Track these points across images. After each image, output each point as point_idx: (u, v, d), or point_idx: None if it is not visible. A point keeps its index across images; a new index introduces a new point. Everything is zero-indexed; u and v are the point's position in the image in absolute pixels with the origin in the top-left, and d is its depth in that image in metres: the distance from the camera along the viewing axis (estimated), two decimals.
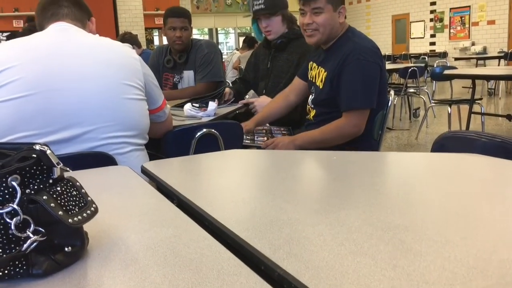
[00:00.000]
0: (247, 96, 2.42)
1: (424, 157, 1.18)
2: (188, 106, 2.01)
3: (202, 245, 0.64)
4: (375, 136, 1.93)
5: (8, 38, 2.44)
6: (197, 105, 2.03)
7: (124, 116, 1.38)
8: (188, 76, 2.83)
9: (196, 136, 1.68)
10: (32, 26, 2.15)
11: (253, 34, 2.76)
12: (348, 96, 1.82)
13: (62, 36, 1.41)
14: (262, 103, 2.31)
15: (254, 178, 1.06)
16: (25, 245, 0.54)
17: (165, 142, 1.68)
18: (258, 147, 2.00)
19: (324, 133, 1.87)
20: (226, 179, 1.04)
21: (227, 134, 1.78)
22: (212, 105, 2.01)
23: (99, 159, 1.24)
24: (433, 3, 14.40)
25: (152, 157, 1.70)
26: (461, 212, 0.74)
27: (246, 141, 2.04)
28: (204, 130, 1.70)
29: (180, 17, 2.70)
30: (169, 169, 1.15)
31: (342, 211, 0.75)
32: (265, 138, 2.09)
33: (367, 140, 1.90)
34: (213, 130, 1.71)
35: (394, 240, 0.63)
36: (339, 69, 1.84)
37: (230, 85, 2.98)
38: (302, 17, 1.94)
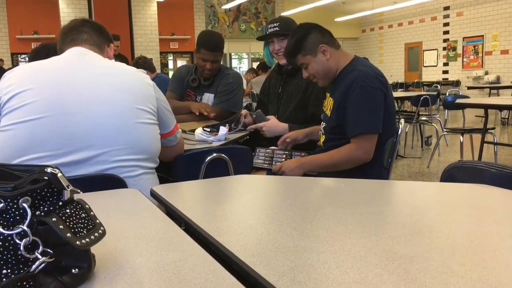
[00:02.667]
0: (253, 116, 2.42)
1: (432, 187, 1.18)
2: (199, 131, 2.03)
3: (207, 270, 0.64)
4: (385, 164, 1.92)
5: (33, 54, 2.42)
6: (208, 129, 2.05)
7: (136, 139, 1.40)
8: (209, 98, 2.87)
9: (206, 160, 1.69)
10: (43, 48, 2.18)
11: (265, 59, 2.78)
12: (353, 122, 1.84)
13: (77, 61, 1.45)
14: (271, 127, 2.32)
15: (262, 204, 1.07)
16: (33, 266, 0.55)
17: (176, 165, 1.70)
18: (269, 170, 2.01)
19: (332, 157, 1.88)
20: (234, 204, 1.04)
21: (237, 159, 1.80)
22: (223, 129, 2.03)
23: (109, 182, 1.26)
24: (446, 32, 14.47)
25: (162, 180, 1.71)
26: (467, 243, 0.74)
27: (264, 164, 2.06)
28: (214, 154, 1.71)
29: (214, 51, 2.71)
30: (178, 193, 1.16)
31: (348, 240, 0.75)
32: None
33: (377, 167, 1.90)
34: (223, 155, 1.72)
35: (398, 270, 0.63)
36: (344, 97, 1.87)
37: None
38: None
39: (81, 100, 1.35)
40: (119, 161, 1.35)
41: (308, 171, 1.88)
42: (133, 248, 0.74)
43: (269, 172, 2.00)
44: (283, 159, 2.10)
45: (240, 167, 1.77)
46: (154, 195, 1.08)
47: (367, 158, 1.84)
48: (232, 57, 17.42)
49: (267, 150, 2.18)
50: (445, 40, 14.55)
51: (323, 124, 2.06)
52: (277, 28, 2.43)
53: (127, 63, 3.17)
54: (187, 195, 1.16)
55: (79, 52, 1.48)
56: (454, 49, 14.27)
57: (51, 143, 1.30)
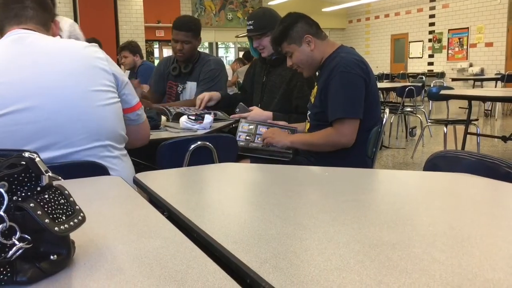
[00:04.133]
0: (237, 110, 2.42)
1: (415, 176, 1.19)
2: (184, 119, 2.02)
3: (189, 257, 0.64)
4: (369, 153, 1.94)
5: None
6: (193, 117, 2.03)
7: (99, 124, 1.31)
8: (191, 87, 2.84)
9: (190, 148, 1.68)
10: None
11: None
12: (332, 107, 1.87)
13: (19, 48, 1.31)
14: (255, 117, 2.32)
15: (246, 191, 1.06)
16: (10, 252, 0.54)
17: (159, 153, 1.68)
18: (253, 158, 2.01)
19: (313, 137, 1.97)
20: (218, 192, 1.04)
21: (222, 148, 1.79)
22: (208, 118, 2.02)
23: (90, 168, 1.23)
24: (432, 24, 14.56)
25: (146, 168, 1.70)
26: (448, 231, 0.74)
27: (246, 139, 2.05)
28: (199, 142, 1.70)
29: (182, 30, 2.71)
30: (161, 181, 1.15)
31: (331, 227, 0.75)
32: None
33: (361, 157, 1.91)
34: (207, 143, 1.71)
35: (380, 256, 0.63)
36: (325, 83, 1.90)
37: None
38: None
39: (29, 94, 1.24)
40: (86, 150, 1.28)
41: (292, 143, 1.99)
42: (114, 235, 0.73)
43: (253, 160, 2.00)
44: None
45: (225, 156, 1.76)
46: (136, 182, 1.07)
47: (346, 142, 1.86)
48: (219, 46, 17.31)
49: (250, 127, 2.17)
50: (430, 32, 14.64)
51: (308, 112, 2.07)
52: (252, 27, 2.46)
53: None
54: (170, 182, 1.15)
55: (20, 36, 1.31)
56: (440, 41, 14.37)
57: (7, 144, 1.20)
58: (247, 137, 2.09)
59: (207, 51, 16.25)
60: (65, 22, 3.08)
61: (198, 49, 2.87)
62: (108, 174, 1.26)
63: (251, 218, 0.82)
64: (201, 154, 1.72)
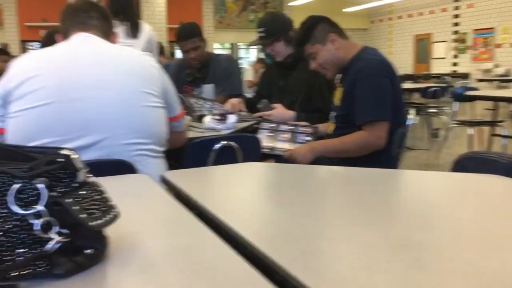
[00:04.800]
0: (260, 106, 2.42)
1: (444, 177, 1.18)
2: (208, 119, 2.04)
3: (218, 254, 0.65)
4: (393, 153, 1.92)
5: (44, 40, 2.51)
6: (217, 117, 2.05)
7: (142, 123, 1.41)
8: (208, 90, 2.86)
9: (215, 148, 1.70)
10: (52, 33, 2.18)
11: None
12: (362, 110, 1.85)
13: (84, 46, 1.46)
14: (278, 116, 2.32)
15: (271, 191, 1.07)
16: (48, 246, 0.56)
17: (184, 153, 1.71)
18: (278, 156, 2.00)
19: (344, 143, 1.89)
20: (244, 191, 1.05)
21: (246, 147, 1.80)
22: (232, 118, 2.03)
23: (119, 166, 1.26)
24: (456, 24, 14.31)
25: (170, 167, 1.72)
26: (480, 233, 0.74)
27: (266, 150, 2.03)
28: (223, 142, 1.71)
29: (188, 39, 2.71)
30: (188, 179, 1.16)
31: (359, 227, 0.75)
32: (289, 139, 2.07)
33: (386, 157, 1.90)
34: (232, 143, 1.73)
35: (410, 256, 0.63)
36: (351, 86, 1.88)
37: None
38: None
39: (85, 86, 1.36)
40: (126, 145, 1.37)
41: (319, 155, 1.88)
42: (144, 232, 0.74)
43: (278, 159, 2.00)
44: (285, 139, 2.09)
45: (249, 156, 1.77)
46: (164, 181, 1.08)
47: (379, 144, 1.84)
48: (240, 47, 17.37)
49: (271, 124, 2.14)
50: (455, 32, 14.39)
51: (333, 113, 2.07)
52: (263, 34, 2.44)
53: None
54: (197, 180, 1.16)
55: (84, 38, 1.47)
56: (464, 41, 14.12)
57: (58, 129, 1.32)
58: (270, 134, 2.08)
59: (228, 52, 16.31)
60: (145, 26, 3.25)
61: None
62: (135, 172, 1.29)
63: (278, 217, 0.83)
64: (225, 154, 1.74)
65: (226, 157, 1.74)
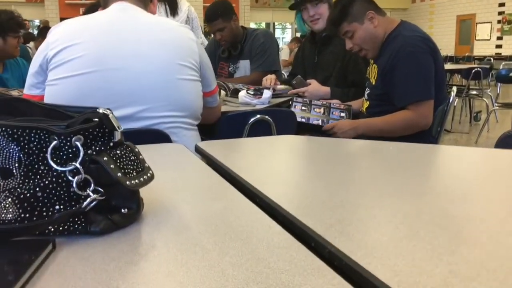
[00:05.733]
0: (294, 82, 2.38)
1: (486, 153, 1.13)
2: (243, 93, 2.02)
3: (253, 219, 0.64)
4: (433, 133, 1.86)
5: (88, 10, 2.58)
6: (252, 92, 2.04)
7: (178, 96, 1.40)
8: (245, 65, 2.84)
9: (250, 121, 1.69)
10: (92, 8, 2.22)
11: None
12: (407, 89, 1.78)
13: (121, 16, 1.44)
14: (313, 91, 2.28)
15: (307, 163, 1.05)
16: (85, 203, 0.56)
17: (218, 127, 1.70)
18: (313, 126, 1.97)
19: (388, 122, 1.84)
20: (279, 162, 1.03)
21: (280, 122, 1.78)
22: (267, 93, 2.01)
23: (155, 136, 1.27)
24: (502, 4, 13.70)
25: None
26: None
27: (302, 119, 1.99)
28: (258, 116, 1.70)
29: (212, 21, 2.69)
30: (222, 149, 1.15)
31: (397, 199, 0.73)
32: (322, 114, 2.03)
33: (426, 136, 1.85)
34: (266, 117, 1.71)
35: (452, 227, 0.60)
36: (390, 64, 1.81)
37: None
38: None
39: (124, 56, 1.36)
40: (162, 117, 1.37)
41: (361, 134, 1.84)
42: (179, 197, 0.74)
43: (313, 135, 1.97)
44: (320, 111, 2.04)
45: (283, 130, 1.75)
46: (198, 151, 1.08)
47: (426, 123, 1.79)
48: (276, 26, 17.20)
49: (304, 100, 2.10)
50: (500, 13, 13.79)
51: (367, 91, 2.01)
52: None
53: None
54: (230, 151, 1.15)
55: (123, 7, 1.46)
56: (510, 22, 13.53)
57: (96, 99, 1.33)
58: (303, 108, 2.03)
59: None
60: (184, 3, 3.30)
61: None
62: (170, 142, 1.29)
63: (314, 187, 0.81)
64: (259, 128, 1.73)
65: (261, 131, 1.73)
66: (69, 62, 1.34)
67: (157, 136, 1.27)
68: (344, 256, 0.52)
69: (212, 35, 2.82)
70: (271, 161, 1.03)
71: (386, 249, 0.54)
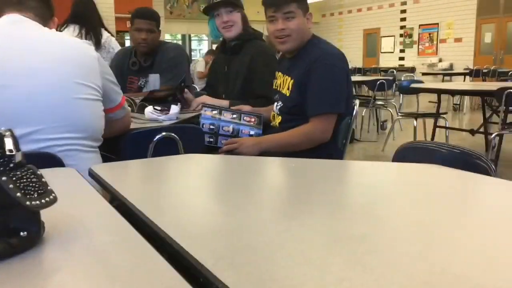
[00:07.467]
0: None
1: (384, 167, 1.16)
2: (149, 109, 1.95)
3: (139, 254, 0.59)
4: (339, 144, 1.91)
5: None
6: (159, 108, 1.96)
7: (75, 116, 1.31)
8: (154, 79, 2.75)
9: (154, 139, 1.61)
10: None
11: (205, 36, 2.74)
12: (316, 101, 1.81)
13: (12, 29, 1.33)
14: (200, 101, 2.27)
15: (208, 183, 1.01)
16: None
17: (122, 145, 1.61)
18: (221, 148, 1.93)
19: (291, 136, 1.85)
20: (178, 184, 0.98)
21: (188, 139, 1.73)
22: (175, 108, 1.95)
23: (44, 160, 1.17)
24: (403, 19, 14.72)
25: (108, 159, 1.63)
26: (417, 224, 0.71)
27: (210, 140, 1.94)
28: (163, 133, 1.63)
29: (147, 19, 2.61)
30: (119, 172, 1.08)
31: (294, 220, 0.71)
32: (233, 119, 1.99)
33: (331, 148, 1.88)
34: (172, 134, 1.65)
35: (344, 251, 0.59)
36: (306, 75, 1.83)
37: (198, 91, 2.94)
38: (272, 24, 1.92)
39: (14, 72, 1.25)
40: (55, 139, 1.26)
41: (265, 150, 1.83)
42: (61, 228, 0.67)
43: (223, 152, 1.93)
44: (229, 133, 2.00)
45: (191, 147, 1.69)
46: (91, 174, 1.00)
47: (325, 138, 1.82)
48: (192, 38, 17.12)
49: (213, 112, 2.01)
50: (402, 27, 14.80)
51: (278, 105, 2.02)
52: None
53: None
54: (128, 174, 1.09)
55: (15, 20, 1.34)
56: (411, 36, 14.55)
57: None
58: (211, 126, 1.98)
59: (180, 43, 16.07)
60: (105, 33, 3.40)
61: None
62: (63, 166, 1.19)
63: (210, 211, 0.77)
64: (166, 146, 1.66)
65: (168, 149, 1.66)
66: None
67: (47, 160, 1.16)
68: None
69: (133, 34, 2.68)
70: (171, 184, 0.98)
71: (275, 281, 0.51)
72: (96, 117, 1.39)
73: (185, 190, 0.94)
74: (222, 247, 0.60)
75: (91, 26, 3.35)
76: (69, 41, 1.41)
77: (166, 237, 0.63)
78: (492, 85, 4.64)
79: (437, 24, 13.62)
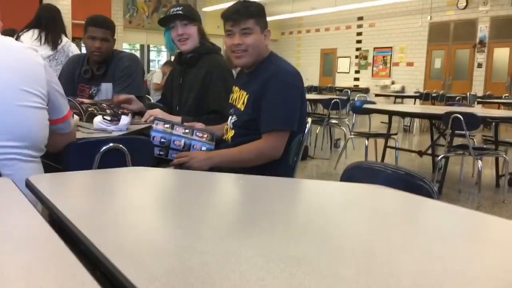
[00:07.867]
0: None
1: (331, 186, 1.17)
2: (98, 119, 1.89)
3: (66, 274, 0.55)
4: (290, 161, 1.92)
5: None
6: (108, 118, 1.91)
7: (16, 124, 1.25)
8: (107, 88, 2.68)
9: (101, 150, 1.56)
10: None
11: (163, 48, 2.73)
12: (269, 117, 1.81)
13: None
14: (152, 113, 2.24)
15: (151, 199, 0.98)
16: None
17: (66, 155, 1.55)
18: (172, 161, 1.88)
19: (242, 153, 1.84)
20: (120, 198, 0.95)
21: (137, 151, 1.68)
22: (125, 119, 1.91)
23: None
24: (359, 41, 15.17)
25: (52, 170, 1.56)
26: (357, 245, 0.71)
27: (160, 153, 1.89)
28: (110, 144, 1.58)
29: (101, 27, 2.55)
30: (59, 184, 1.04)
31: (236, 240, 0.70)
32: (184, 134, 1.95)
33: (282, 165, 1.89)
34: (120, 146, 1.60)
35: (284, 273, 0.58)
36: (261, 91, 1.84)
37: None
38: (229, 38, 1.92)
39: None
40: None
41: (216, 165, 1.80)
42: None
43: (176, 165, 1.89)
44: (180, 147, 1.96)
45: (140, 160, 1.65)
46: (28, 185, 0.95)
47: (276, 154, 1.82)
48: (151, 49, 16.94)
49: (165, 125, 1.96)
50: (357, 49, 15.24)
51: (232, 119, 2.01)
52: (180, 12, 2.35)
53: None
54: (69, 186, 1.04)
55: None
56: (366, 58, 15.00)
57: None
58: (163, 140, 1.94)
59: (138, 53, 15.86)
60: (64, 39, 3.38)
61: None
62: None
63: (150, 229, 0.74)
64: (113, 158, 1.61)
65: (115, 161, 1.61)
66: None
67: None
68: None
69: (86, 42, 2.60)
70: (112, 199, 0.94)
71: None
72: (39, 126, 1.33)
73: (128, 205, 0.91)
74: (158, 268, 0.58)
75: (51, 31, 3.31)
76: (14, 47, 1.36)
77: (100, 255, 0.60)
78: (440, 109, 4.83)
79: (391, 47, 14.12)
